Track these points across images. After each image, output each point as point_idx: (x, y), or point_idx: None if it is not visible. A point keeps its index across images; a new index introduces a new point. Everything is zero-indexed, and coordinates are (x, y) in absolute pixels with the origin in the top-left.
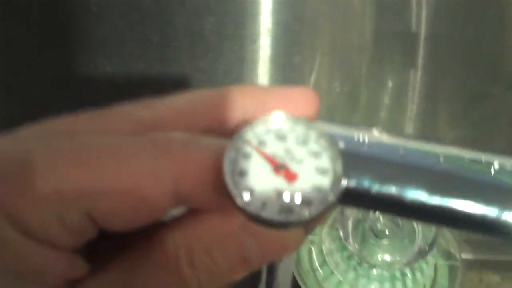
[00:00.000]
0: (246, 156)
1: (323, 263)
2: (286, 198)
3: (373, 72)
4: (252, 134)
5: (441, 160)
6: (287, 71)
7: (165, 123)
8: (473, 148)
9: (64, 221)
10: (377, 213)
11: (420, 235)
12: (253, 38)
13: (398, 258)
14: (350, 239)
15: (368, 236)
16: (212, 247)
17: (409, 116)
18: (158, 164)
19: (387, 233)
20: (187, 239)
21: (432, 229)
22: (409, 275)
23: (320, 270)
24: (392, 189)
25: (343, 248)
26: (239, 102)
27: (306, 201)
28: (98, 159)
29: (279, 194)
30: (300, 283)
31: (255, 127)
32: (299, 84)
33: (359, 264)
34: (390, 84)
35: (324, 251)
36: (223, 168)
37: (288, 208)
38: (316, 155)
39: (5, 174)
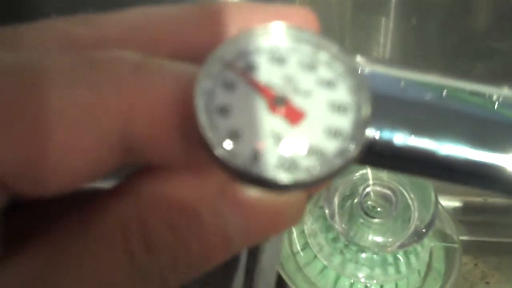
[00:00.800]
0: (229, 86)
1: (305, 245)
2: (287, 147)
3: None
4: (236, 54)
5: (444, 94)
6: None
7: (110, 44)
8: None
9: None
10: (369, 188)
11: (416, 214)
12: None
13: (390, 240)
14: (336, 218)
15: (356, 214)
16: (177, 221)
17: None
18: (97, 97)
19: (378, 211)
20: (141, 210)
21: (429, 207)
22: (402, 260)
23: (302, 254)
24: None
25: (328, 228)
26: (219, 21)
27: (315, 152)
28: (5, 92)
29: (277, 140)
30: (278, 268)
31: (241, 43)
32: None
33: (346, 246)
34: (379, 35)
35: (306, 232)
36: (195, 103)
37: (290, 161)
38: (329, 84)
39: None
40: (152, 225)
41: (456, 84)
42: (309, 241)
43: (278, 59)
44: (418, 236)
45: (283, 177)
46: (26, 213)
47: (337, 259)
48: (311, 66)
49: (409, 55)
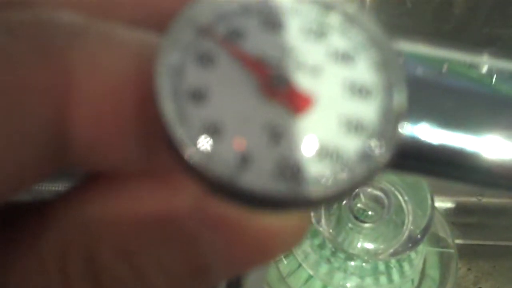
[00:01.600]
0: (205, 60)
1: (289, 253)
2: (288, 148)
3: None
4: (215, 16)
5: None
6: None
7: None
8: None
9: None
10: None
11: (410, 218)
12: None
13: (382, 247)
14: (323, 222)
15: (345, 218)
16: (135, 248)
17: None
18: (14, 77)
19: (369, 214)
20: (86, 233)
21: (425, 210)
22: (395, 268)
23: (285, 262)
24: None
25: (314, 234)
26: None
27: (329, 153)
28: None
29: (274, 138)
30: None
31: (222, 2)
32: None
33: (334, 254)
34: None
35: None
36: (157, 86)
37: (293, 169)
38: (345, 58)
39: None
40: (101, 253)
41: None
42: (292, 248)
43: (274, 24)
44: (412, 242)
45: (281, 192)
46: None
47: (323, 268)
48: (319, 33)
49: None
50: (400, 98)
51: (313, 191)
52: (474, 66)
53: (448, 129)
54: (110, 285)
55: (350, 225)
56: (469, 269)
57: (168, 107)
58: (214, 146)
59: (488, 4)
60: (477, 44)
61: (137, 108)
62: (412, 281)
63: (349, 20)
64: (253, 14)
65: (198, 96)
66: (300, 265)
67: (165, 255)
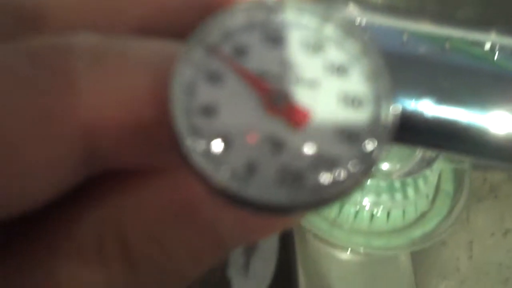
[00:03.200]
0: (214, 78)
1: None
2: (289, 157)
3: None
4: (222, 35)
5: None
6: None
7: (61, 13)
8: None
9: None
10: None
11: None
12: None
13: (398, 167)
14: None
15: None
16: (163, 229)
17: None
18: (46, 104)
19: None
20: (119, 217)
21: None
22: (410, 185)
23: None
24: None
25: None
26: None
27: (326, 161)
28: None
29: (276, 150)
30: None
31: (228, 20)
32: None
33: None
34: None
35: None
36: (170, 103)
37: (294, 176)
38: (339, 70)
39: None
40: (133, 237)
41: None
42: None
43: (275, 38)
44: (427, 162)
45: (283, 199)
46: None
47: None
48: (317, 46)
49: None
50: (388, 106)
51: (312, 197)
52: (477, 44)
53: (452, 105)
54: (142, 264)
55: None
56: (484, 179)
57: (181, 122)
58: (222, 156)
59: None
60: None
61: (158, 117)
62: (427, 195)
63: (345, 31)
64: (256, 30)
65: (208, 111)
66: None
67: (187, 234)
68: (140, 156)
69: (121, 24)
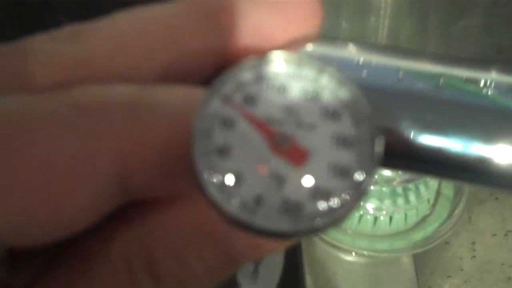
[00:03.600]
0: (228, 124)
1: None
2: (291, 191)
3: None
4: (234, 86)
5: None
6: None
7: (100, 62)
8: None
9: None
10: None
11: None
12: None
13: (400, 174)
14: None
15: None
16: (182, 248)
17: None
18: (88, 148)
19: None
20: (145, 239)
21: None
22: (412, 190)
23: None
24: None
25: None
26: (211, 22)
27: (322, 193)
28: None
29: (280, 184)
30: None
31: (239, 74)
32: None
33: None
34: None
35: None
36: (192, 144)
37: (295, 207)
38: (333, 115)
39: None
40: (157, 255)
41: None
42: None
43: (279, 89)
44: None
45: (286, 227)
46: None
47: None
48: (314, 94)
49: None
50: (373, 144)
51: (311, 224)
52: (471, 80)
53: (441, 136)
54: (166, 278)
55: None
56: None
57: (199, 160)
58: (233, 189)
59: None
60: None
61: (179, 159)
62: (428, 200)
63: (337, 81)
64: (263, 82)
65: (222, 151)
66: None
67: (204, 252)
68: (164, 187)
69: (149, 69)
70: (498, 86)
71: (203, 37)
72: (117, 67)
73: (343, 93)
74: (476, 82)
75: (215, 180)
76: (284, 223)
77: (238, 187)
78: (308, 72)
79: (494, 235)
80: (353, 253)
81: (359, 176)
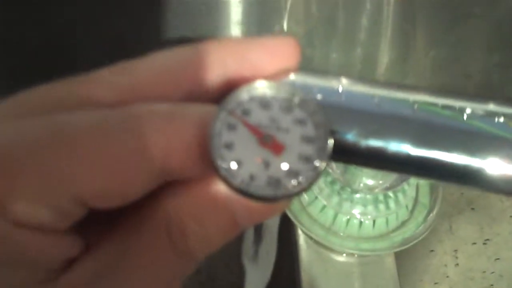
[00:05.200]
0: (231, 128)
1: None
2: (273, 171)
3: None
4: (235, 104)
5: (415, 107)
6: None
7: (144, 87)
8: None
9: (53, 207)
10: None
11: None
12: None
13: (380, 182)
14: (333, 165)
15: None
16: (201, 215)
17: (388, 38)
18: (142, 143)
19: None
20: (177, 208)
21: None
22: (392, 197)
23: (305, 195)
24: (374, 142)
25: (326, 173)
26: (219, 59)
27: (293, 173)
28: (79, 143)
29: (266, 167)
30: (285, 209)
31: (239, 96)
32: (275, 9)
33: (343, 188)
34: (368, 6)
35: None
36: (209, 142)
37: (276, 181)
38: (301, 122)
39: None
40: (185, 220)
41: (427, 99)
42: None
43: (265, 105)
44: (402, 178)
45: (271, 193)
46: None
47: (335, 199)
48: (289, 109)
49: None
50: (327, 142)
51: (285, 193)
52: (445, 107)
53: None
54: (189, 235)
55: (353, 167)
56: (462, 194)
57: (214, 152)
58: (237, 171)
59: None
60: (451, 22)
61: (201, 151)
62: (407, 206)
63: (304, 99)
64: (255, 101)
65: (228, 146)
66: (316, 197)
67: (216, 217)
68: (191, 172)
69: (178, 93)
70: (474, 114)
71: (214, 71)
72: (156, 92)
73: (308, 108)
74: (450, 108)
75: (224, 166)
76: (269, 191)
77: (239, 169)
78: (284, 94)
79: (474, 243)
80: (344, 254)
81: (317, 163)
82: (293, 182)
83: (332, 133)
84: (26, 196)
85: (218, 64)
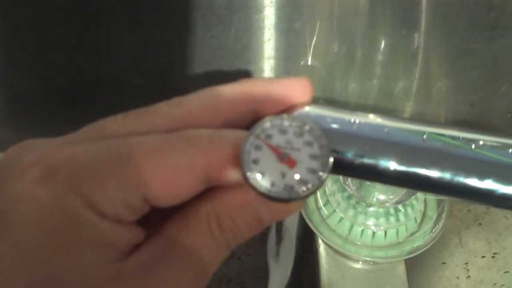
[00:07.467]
0: (257, 148)
1: (326, 202)
2: (288, 180)
3: (367, 33)
4: (261, 130)
5: (424, 137)
6: (290, 36)
7: (193, 118)
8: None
9: (127, 204)
10: None
11: None
12: (259, 9)
13: (391, 197)
14: (349, 182)
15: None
16: (234, 214)
17: (402, 70)
18: (192, 158)
19: None
20: (215, 209)
21: None
22: (401, 211)
23: (324, 209)
24: (371, 161)
25: (343, 189)
26: (250, 95)
27: (303, 181)
28: (148, 158)
29: (283, 177)
30: (307, 220)
31: (263, 124)
32: (301, 47)
33: (358, 203)
34: (383, 43)
35: (327, 192)
36: (240, 158)
37: (290, 187)
38: (309, 144)
39: (85, 176)
40: (222, 217)
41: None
42: (329, 199)
43: (283, 131)
44: (411, 193)
45: (286, 196)
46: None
47: (350, 212)
48: (300, 134)
49: None
50: (328, 159)
51: (298, 196)
52: (453, 137)
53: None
54: (225, 229)
55: (368, 183)
56: (469, 210)
57: (245, 166)
58: (261, 180)
59: (460, 22)
60: (456, 56)
61: (234, 165)
62: (415, 219)
63: (312, 127)
64: (275, 128)
65: (255, 161)
66: (334, 210)
67: (246, 215)
68: (227, 181)
69: (218, 121)
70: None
71: (245, 105)
72: (201, 120)
73: (315, 134)
74: (457, 138)
75: (252, 176)
76: (285, 195)
77: (263, 179)
78: (297, 123)
79: (483, 256)
80: (360, 262)
81: (321, 174)
82: (303, 188)
83: (333, 152)
84: (110, 196)
85: (249, 99)
